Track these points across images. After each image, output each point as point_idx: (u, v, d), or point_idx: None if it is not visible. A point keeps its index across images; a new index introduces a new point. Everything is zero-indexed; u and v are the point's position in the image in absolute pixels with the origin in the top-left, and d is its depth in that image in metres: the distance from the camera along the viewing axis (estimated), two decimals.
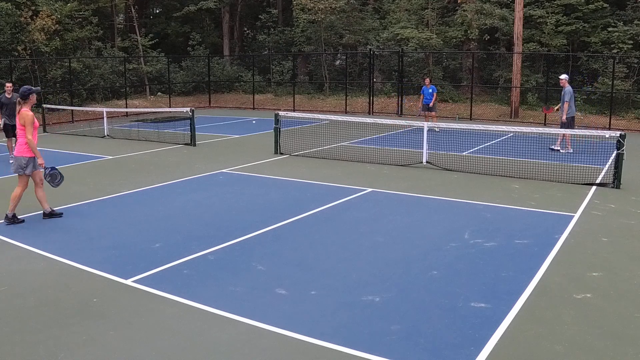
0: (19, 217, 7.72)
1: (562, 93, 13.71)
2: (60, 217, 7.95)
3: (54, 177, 7.89)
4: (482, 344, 4.34)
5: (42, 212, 7.94)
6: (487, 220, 7.80)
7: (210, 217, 7.98)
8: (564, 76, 13.98)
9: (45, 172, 7.81)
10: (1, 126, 12.66)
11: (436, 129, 15.87)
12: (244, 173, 11.14)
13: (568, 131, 13.12)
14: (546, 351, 4.24)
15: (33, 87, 7.79)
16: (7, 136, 12.77)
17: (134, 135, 16.73)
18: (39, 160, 7.61)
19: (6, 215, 7.66)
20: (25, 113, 7.54)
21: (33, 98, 7.71)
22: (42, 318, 4.81)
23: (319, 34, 29.52)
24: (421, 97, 18.07)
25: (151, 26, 35.22)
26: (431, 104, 17.53)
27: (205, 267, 6.00)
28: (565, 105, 13.48)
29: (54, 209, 8.02)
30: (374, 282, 5.58)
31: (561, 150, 13.71)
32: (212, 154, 13.50)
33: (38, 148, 7.66)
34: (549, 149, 13.87)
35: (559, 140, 13.84)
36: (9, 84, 12.64)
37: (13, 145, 12.21)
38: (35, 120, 7.68)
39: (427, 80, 17.79)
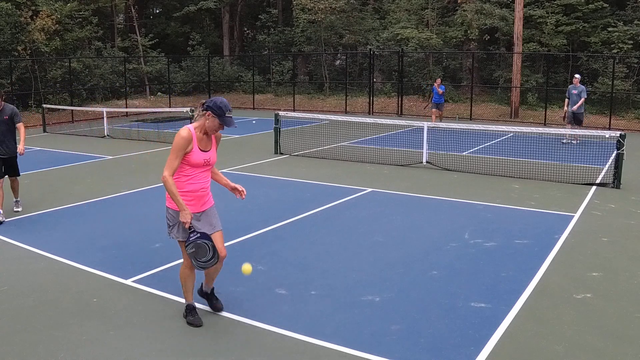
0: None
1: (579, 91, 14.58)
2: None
3: (201, 252, 4.48)
4: (482, 343, 4.33)
5: (42, 211, 7.94)
6: (487, 220, 7.80)
7: None
8: (577, 75, 15.07)
9: (188, 240, 4.48)
10: None
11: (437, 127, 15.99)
12: (243, 173, 11.13)
13: (568, 131, 13.62)
14: (546, 351, 4.24)
15: (224, 114, 4.35)
16: None
17: (134, 135, 16.73)
18: (182, 216, 4.39)
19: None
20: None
21: (211, 120, 4.38)
22: (42, 318, 4.81)
23: (319, 34, 29.52)
24: (431, 95, 18.43)
25: (151, 26, 35.22)
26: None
27: None
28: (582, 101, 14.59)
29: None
30: (374, 282, 5.57)
31: (563, 141, 14.79)
32: None
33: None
34: (570, 142, 14.67)
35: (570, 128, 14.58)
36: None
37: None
38: (197, 155, 4.41)
39: (438, 80, 18.09)
